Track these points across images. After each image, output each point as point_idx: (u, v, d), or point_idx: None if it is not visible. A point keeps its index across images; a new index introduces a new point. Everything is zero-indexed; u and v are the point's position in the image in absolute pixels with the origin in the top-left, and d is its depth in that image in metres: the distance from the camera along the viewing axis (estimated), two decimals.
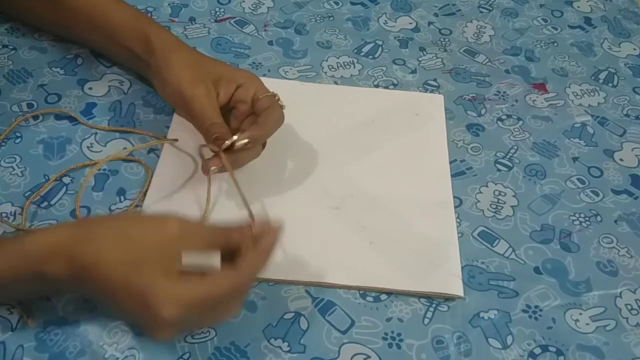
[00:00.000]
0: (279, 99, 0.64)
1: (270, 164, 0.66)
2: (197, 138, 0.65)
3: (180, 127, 0.68)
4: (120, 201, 0.63)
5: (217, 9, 0.84)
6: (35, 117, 0.69)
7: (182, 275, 0.48)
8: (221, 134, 0.60)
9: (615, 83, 0.81)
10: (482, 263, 0.62)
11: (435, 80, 0.78)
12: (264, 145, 0.64)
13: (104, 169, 0.65)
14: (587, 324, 0.58)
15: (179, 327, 0.50)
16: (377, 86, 0.77)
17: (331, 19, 0.85)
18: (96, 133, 0.68)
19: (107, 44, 0.71)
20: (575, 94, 0.79)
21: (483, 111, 0.75)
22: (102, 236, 0.49)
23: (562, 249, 0.63)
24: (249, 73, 0.66)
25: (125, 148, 0.67)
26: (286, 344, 0.55)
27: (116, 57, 0.73)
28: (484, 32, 0.86)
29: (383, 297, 0.59)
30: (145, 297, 0.46)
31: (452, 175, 0.68)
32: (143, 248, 0.48)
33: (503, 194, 0.67)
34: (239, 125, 0.64)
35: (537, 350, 0.56)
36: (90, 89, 0.72)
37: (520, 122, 0.75)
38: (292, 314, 0.57)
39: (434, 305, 0.58)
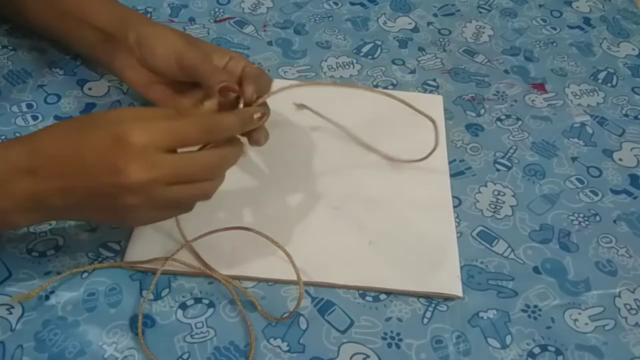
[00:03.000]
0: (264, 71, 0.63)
1: (270, 163, 0.66)
2: None
3: None
4: None
5: (216, 10, 0.84)
6: (35, 117, 0.69)
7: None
8: (227, 82, 0.55)
9: (614, 83, 0.81)
10: (481, 263, 0.62)
11: (434, 80, 0.78)
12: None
13: None
14: (586, 324, 0.58)
15: (147, 194, 0.47)
16: (376, 86, 0.77)
17: (330, 19, 0.85)
18: None
19: (76, 29, 0.68)
20: (574, 94, 0.79)
21: (482, 111, 0.75)
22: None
23: (561, 249, 0.63)
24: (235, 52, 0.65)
25: None
26: (285, 343, 0.55)
27: (82, 44, 0.70)
28: (483, 32, 0.86)
29: (382, 297, 0.59)
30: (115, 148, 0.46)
31: (451, 175, 0.68)
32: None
33: (502, 193, 0.68)
34: None
35: (536, 350, 0.56)
36: (89, 89, 0.72)
37: (520, 122, 0.75)
38: (292, 314, 0.57)
39: (433, 305, 0.58)
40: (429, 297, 0.59)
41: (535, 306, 0.59)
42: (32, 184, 0.48)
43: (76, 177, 0.48)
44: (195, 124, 0.50)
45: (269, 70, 0.77)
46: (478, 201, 0.67)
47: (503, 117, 0.75)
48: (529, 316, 0.58)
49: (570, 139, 0.74)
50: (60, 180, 0.48)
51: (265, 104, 0.56)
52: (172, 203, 0.51)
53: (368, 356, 0.55)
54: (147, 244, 0.59)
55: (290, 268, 0.58)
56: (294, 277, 0.58)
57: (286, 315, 0.56)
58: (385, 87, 0.77)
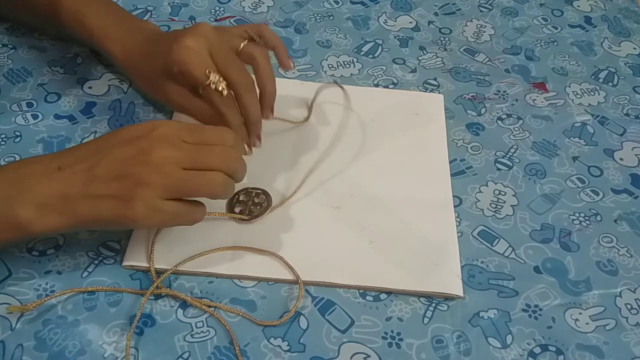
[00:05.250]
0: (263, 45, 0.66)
1: (270, 163, 0.66)
2: None
3: None
4: None
5: (217, 8, 0.84)
6: (35, 116, 0.69)
7: None
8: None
9: (615, 82, 0.81)
10: (482, 262, 0.62)
11: (435, 79, 0.78)
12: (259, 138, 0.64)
13: None
14: (587, 324, 0.58)
15: (164, 172, 0.51)
16: (377, 85, 0.77)
17: (331, 18, 0.85)
18: (96, 132, 0.68)
19: (80, 33, 0.69)
20: (575, 93, 0.79)
21: (483, 110, 0.75)
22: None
23: (562, 249, 0.63)
24: None
25: None
26: (286, 343, 0.55)
27: (87, 43, 0.72)
28: (484, 32, 0.86)
29: (383, 296, 0.59)
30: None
31: (452, 175, 0.68)
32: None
33: (503, 193, 0.67)
34: None
35: (537, 350, 0.56)
36: (90, 88, 0.72)
37: (520, 122, 0.75)
38: (292, 314, 0.57)
39: (433, 305, 0.58)
40: (429, 297, 0.59)
41: (536, 306, 0.59)
42: (58, 178, 0.51)
43: (101, 163, 0.51)
44: (214, 129, 0.56)
45: None
46: (479, 200, 0.66)
47: (504, 116, 0.75)
48: (530, 316, 0.58)
49: (571, 138, 0.74)
50: (85, 168, 0.52)
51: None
52: (184, 187, 0.53)
53: (368, 356, 0.55)
54: (147, 247, 0.59)
55: (290, 267, 0.58)
56: (294, 277, 0.57)
57: (284, 316, 0.56)
58: (386, 86, 0.77)
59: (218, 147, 0.54)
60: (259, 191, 0.63)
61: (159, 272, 0.58)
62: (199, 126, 0.57)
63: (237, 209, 0.61)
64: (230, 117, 0.60)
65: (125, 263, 0.58)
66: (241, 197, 0.62)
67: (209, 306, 0.56)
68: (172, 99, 0.64)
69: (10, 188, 0.51)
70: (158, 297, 0.57)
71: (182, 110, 0.64)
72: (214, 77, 0.59)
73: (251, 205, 0.62)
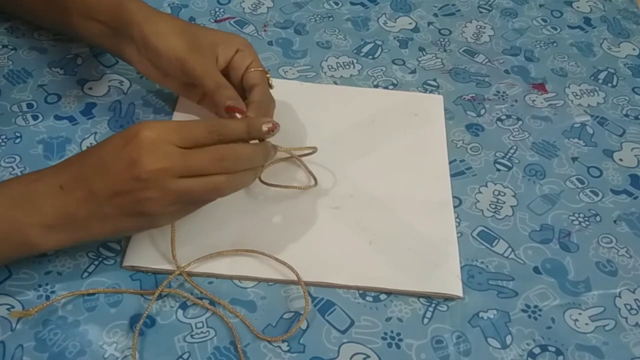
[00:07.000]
0: (269, 77, 0.65)
1: (270, 163, 0.66)
2: None
3: None
4: None
5: (216, 9, 0.84)
6: (35, 117, 0.69)
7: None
8: (233, 102, 0.59)
9: (614, 83, 0.81)
10: (482, 263, 0.62)
11: (434, 80, 0.78)
12: None
13: None
14: (587, 324, 0.58)
15: (162, 186, 0.50)
16: (376, 86, 0.77)
17: (331, 19, 0.85)
18: (96, 133, 0.68)
19: (82, 24, 0.68)
20: (574, 94, 0.79)
21: (482, 111, 0.75)
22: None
23: (562, 249, 0.63)
24: (244, 39, 0.66)
25: None
26: (285, 343, 0.55)
27: (91, 37, 0.69)
28: (484, 32, 0.86)
29: (382, 297, 0.59)
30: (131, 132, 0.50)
31: (452, 175, 0.68)
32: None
33: (502, 194, 0.67)
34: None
35: (537, 350, 0.56)
36: (90, 89, 0.72)
37: (520, 122, 0.75)
38: (292, 314, 0.57)
39: (433, 305, 0.58)
40: (429, 297, 0.59)
41: (536, 306, 0.59)
42: (61, 198, 0.51)
43: (96, 180, 0.50)
44: (202, 124, 0.53)
45: (269, 71, 0.77)
46: (478, 201, 0.67)
47: (503, 117, 0.75)
48: (529, 316, 0.58)
49: (571, 139, 0.74)
50: (84, 187, 0.51)
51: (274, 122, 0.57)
52: (185, 197, 0.52)
53: (368, 356, 0.55)
54: (146, 248, 0.59)
55: (290, 268, 0.58)
56: (294, 277, 0.58)
57: (292, 329, 0.56)
58: (386, 87, 0.77)
59: (210, 149, 0.52)
60: None
61: (163, 273, 0.58)
62: (185, 124, 0.53)
63: None
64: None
65: (125, 263, 0.58)
66: None
67: (212, 303, 0.56)
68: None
69: (16, 209, 0.51)
70: (158, 297, 0.57)
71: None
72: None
73: None
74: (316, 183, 0.64)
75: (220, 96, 0.60)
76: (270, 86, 0.65)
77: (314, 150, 0.64)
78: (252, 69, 0.64)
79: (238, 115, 0.58)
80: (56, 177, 0.52)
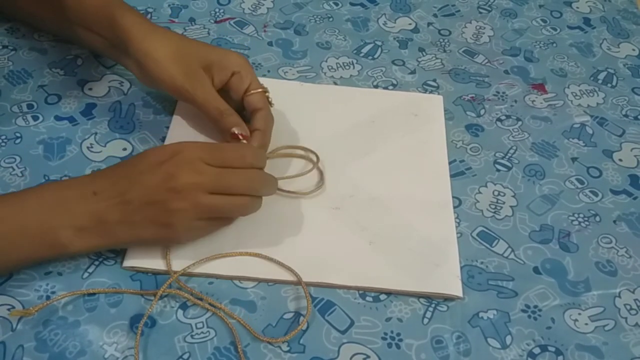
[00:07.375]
0: (269, 96, 0.66)
1: (270, 164, 0.66)
2: (198, 139, 0.65)
3: (180, 128, 0.68)
4: None
5: (216, 10, 0.84)
6: (35, 118, 0.69)
7: None
8: (238, 129, 0.63)
9: (614, 83, 0.81)
10: (482, 263, 0.62)
11: (434, 80, 0.78)
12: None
13: None
14: (586, 324, 0.58)
15: (193, 198, 0.54)
16: (376, 87, 0.77)
17: (331, 19, 0.85)
18: (96, 133, 0.68)
19: (84, 35, 0.69)
20: (574, 94, 0.79)
21: (482, 111, 0.75)
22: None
23: (561, 249, 0.64)
24: (241, 58, 0.66)
25: (124, 149, 0.67)
26: (286, 344, 0.55)
27: (93, 47, 0.71)
28: (483, 33, 0.86)
29: (382, 297, 0.59)
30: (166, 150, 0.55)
31: (452, 176, 0.68)
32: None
33: (502, 194, 0.68)
34: None
35: (536, 350, 0.56)
36: (90, 89, 0.73)
37: (520, 123, 0.75)
38: (292, 314, 0.57)
39: (433, 305, 0.58)
40: (429, 297, 0.59)
41: (535, 306, 0.59)
42: (94, 203, 0.54)
43: (132, 190, 0.54)
44: (233, 148, 0.59)
45: (268, 71, 0.77)
46: (478, 201, 0.67)
47: (503, 117, 0.75)
48: (529, 316, 0.58)
49: (570, 139, 0.74)
50: (118, 194, 0.54)
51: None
52: (213, 211, 0.56)
53: (368, 356, 0.55)
54: (147, 250, 0.59)
55: (290, 268, 0.58)
56: (294, 278, 0.58)
57: (291, 331, 0.56)
58: (386, 88, 0.77)
59: (241, 172, 0.56)
60: None
61: (163, 274, 0.58)
62: (218, 146, 0.60)
63: None
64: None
65: (125, 264, 0.58)
66: None
67: (212, 305, 0.56)
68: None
69: (49, 211, 0.54)
70: (158, 297, 0.57)
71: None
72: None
73: None
74: (323, 184, 0.65)
75: (224, 123, 0.63)
76: (271, 104, 0.66)
77: (318, 186, 0.65)
78: (252, 91, 0.65)
79: (243, 140, 0.63)
80: (90, 185, 0.55)
